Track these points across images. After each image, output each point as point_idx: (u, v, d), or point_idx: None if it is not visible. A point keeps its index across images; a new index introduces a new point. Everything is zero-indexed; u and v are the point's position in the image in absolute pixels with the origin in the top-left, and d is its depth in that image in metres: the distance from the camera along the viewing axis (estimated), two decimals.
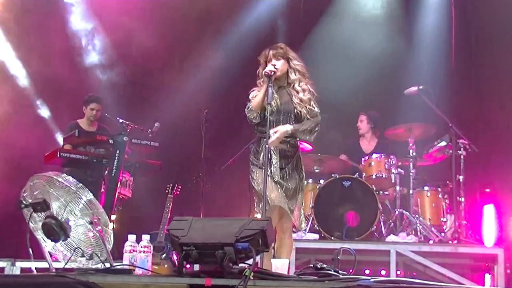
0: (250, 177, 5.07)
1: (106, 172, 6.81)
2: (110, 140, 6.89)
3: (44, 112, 8.28)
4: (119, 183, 6.76)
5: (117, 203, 6.93)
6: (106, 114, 7.48)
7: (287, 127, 4.93)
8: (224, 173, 7.61)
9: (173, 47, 8.41)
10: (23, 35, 7.82)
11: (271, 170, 4.90)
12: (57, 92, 8.06)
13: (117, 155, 6.75)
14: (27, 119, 8.04)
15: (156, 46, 8.24)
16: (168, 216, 6.62)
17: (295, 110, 5.00)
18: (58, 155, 6.76)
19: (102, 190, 6.80)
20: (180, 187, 6.95)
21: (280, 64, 4.99)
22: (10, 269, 6.01)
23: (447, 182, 7.27)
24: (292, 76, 5.06)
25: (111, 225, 6.59)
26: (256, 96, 4.99)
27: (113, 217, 6.84)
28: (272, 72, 4.89)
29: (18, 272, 5.97)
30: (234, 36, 8.65)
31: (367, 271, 7.15)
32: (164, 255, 6.29)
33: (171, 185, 6.91)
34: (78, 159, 6.90)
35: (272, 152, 4.92)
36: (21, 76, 8.04)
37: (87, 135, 7.20)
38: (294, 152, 5.07)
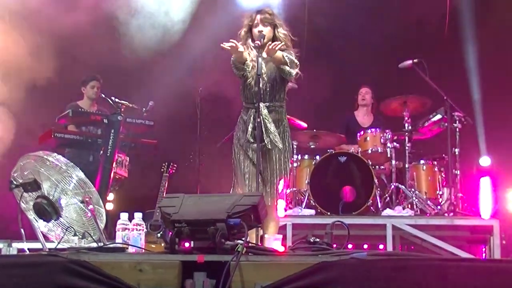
0: (234, 160, 5.02)
1: (102, 152, 6.81)
2: (104, 119, 6.89)
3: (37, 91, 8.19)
4: (114, 162, 6.77)
5: (113, 182, 6.94)
6: (100, 94, 7.43)
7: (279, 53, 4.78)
8: (220, 151, 7.59)
9: (166, 23, 8.33)
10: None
11: (269, 139, 4.82)
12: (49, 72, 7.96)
13: (112, 134, 6.74)
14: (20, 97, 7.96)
15: (149, 23, 8.17)
16: (164, 195, 6.63)
17: (279, 79, 4.94)
18: (53, 136, 6.75)
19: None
20: (175, 165, 6.96)
21: (267, 31, 4.91)
22: (7, 250, 6.02)
23: (443, 155, 7.26)
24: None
25: (109, 205, 6.66)
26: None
27: (111, 196, 6.86)
28: (262, 39, 4.79)
29: (15, 253, 5.98)
30: (229, 12, 8.57)
31: (365, 246, 7.17)
32: (160, 233, 6.30)
33: (166, 163, 6.91)
34: (73, 140, 6.90)
35: (266, 122, 4.81)
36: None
37: (81, 114, 7.16)
38: (282, 120, 5.01)
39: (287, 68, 4.85)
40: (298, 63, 4.95)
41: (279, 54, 4.77)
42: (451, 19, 8.18)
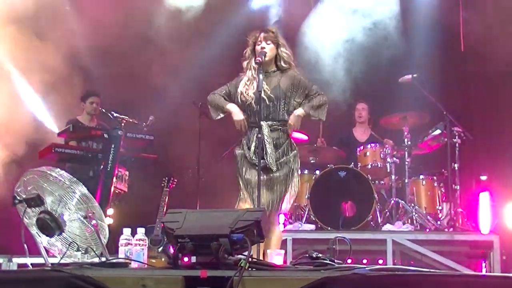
0: (238, 174, 5.02)
1: (102, 166, 6.81)
2: (105, 134, 6.90)
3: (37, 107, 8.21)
4: (114, 177, 6.77)
5: (113, 197, 6.94)
6: (100, 108, 7.46)
7: (299, 112, 4.95)
8: (220, 165, 7.60)
9: (167, 39, 8.36)
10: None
11: (266, 161, 4.85)
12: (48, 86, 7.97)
13: (112, 149, 6.75)
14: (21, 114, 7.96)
15: (150, 38, 8.19)
16: (164, 210, 6.64)
17: (284, 96, 4.96)
18: (53, 151, 6.75)
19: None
20: (175, 180, 6.97)
21: (269, 49, 4.95)
22: (7, 265, 6.01)
23: (443, 170, 7.28)
24: (280, 63, 5.02)
25: (108, 220, 6.66)
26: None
27: (110, 211, 6.86)
28: (263, 56, 4.85)
29: (15, 268, 5.97)
30: (228, 28, 8.61)
31: (364, 261, 7.16)
32: (161, 248, 6.30)
33: (166, 178, 6.91)
34: (73, 154, 6.89)
35: (266, 142, 4.86)
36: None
37: (81, 130, 7.17)
38: (285, 138, 5.01)
39: (315, 115, 5.00)
40: (321, 94, 5.04)
41: (299, 113, 4.93)
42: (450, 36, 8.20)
